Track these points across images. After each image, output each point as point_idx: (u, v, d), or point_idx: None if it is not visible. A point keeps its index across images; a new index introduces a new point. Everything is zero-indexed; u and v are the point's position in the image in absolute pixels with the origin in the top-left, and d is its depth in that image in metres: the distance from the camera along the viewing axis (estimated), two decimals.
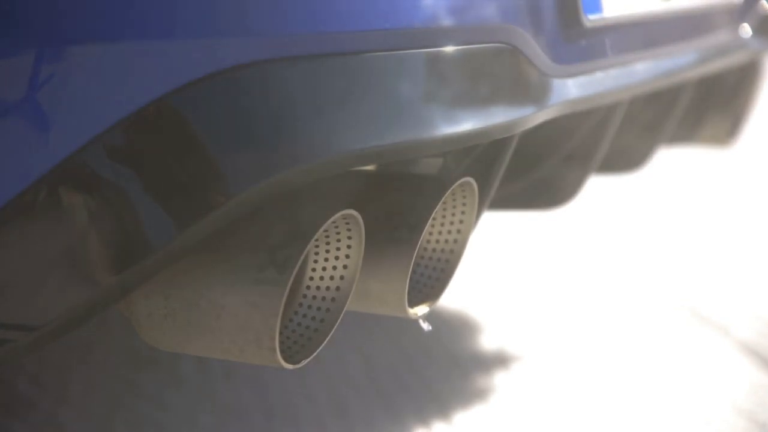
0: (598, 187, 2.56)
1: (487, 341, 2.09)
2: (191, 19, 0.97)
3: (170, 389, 1.82)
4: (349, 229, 1.11)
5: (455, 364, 1.99)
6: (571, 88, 1.29)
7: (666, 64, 1.54)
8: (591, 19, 1.30)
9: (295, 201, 1.08)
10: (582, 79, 1.31)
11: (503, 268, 2.49)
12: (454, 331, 2.13)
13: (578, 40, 1.31)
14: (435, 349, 2.04)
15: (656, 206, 3.10)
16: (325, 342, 1.12)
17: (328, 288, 1.13)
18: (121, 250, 0.97)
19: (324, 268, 1.13)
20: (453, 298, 2.24)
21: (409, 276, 1.17)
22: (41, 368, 1.85)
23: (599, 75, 1.35)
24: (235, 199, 0.96)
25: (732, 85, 2.06)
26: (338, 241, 1.12)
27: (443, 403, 1.83)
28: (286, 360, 1.08)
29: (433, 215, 1.17)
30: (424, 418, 1.78)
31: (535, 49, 1.21)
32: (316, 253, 1.13)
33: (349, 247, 1.12)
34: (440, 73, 1.09)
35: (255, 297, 1.04)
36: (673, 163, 3.15)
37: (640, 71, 1.45)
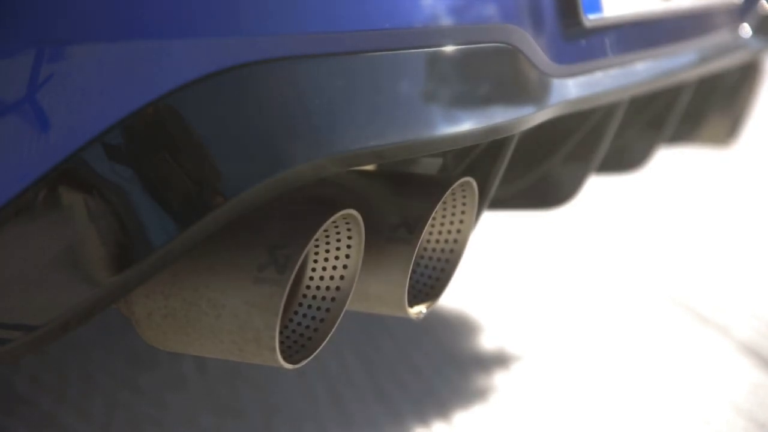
0: (598, 187, 2.56)
1: (487, 341, 2.09)
2: (191, 19, 0.97)
3: (170, 389, 1.82)
4: (349, 229, 1.11)
5: (455, 364, 1.99)
6: (571, 88, 1.29)
7: (666, 64, 1.54)
8: (591, 19, 1.30)
9: (295, 201, 1.08)
10: (582, 79, 1.31)
11: (503, 268, 2.49)
12: (454, 331, 2.13)
13: (578, 40, 1.31)
14: (435, 349, 2.04)
15: (656, 206, 3.11)
16: (325, 342, 1.12)
17: (328, 288, 1.13)
18: (121, 250, 0.97)
19: (324, 268, 1.13)
20: (453, 298, 2.24)
21: (409, 276, 1.17)
22: (41, 368, 1.85)
23: (599, 75, 1.35)
24: (235, 199, 0.96)
25: (732, 85, 2.06)
26: (338, 241, 1.12)
27: (443, 403, 1.83)
28: (286, 360, 1.08)
29: (433, 215, 1.17)
30: (424, 418, 1.78)
31: (535, 48, 1.21)
32: (316, 253, 1.13)
33: (349, 247, 1.12)
34: (440, 73, 1.09)
35: (255, 297, 1.04)
36: (673, 163, 3.15)
37: (640, 71, 1.45)
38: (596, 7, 1.32)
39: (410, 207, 1.17)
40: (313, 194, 1.15)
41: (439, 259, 1.26)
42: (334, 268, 1.13)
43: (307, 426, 1.74)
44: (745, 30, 1.80)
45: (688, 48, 1.62)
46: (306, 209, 1.07)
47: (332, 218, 1.06)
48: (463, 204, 1.24)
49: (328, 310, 1.13)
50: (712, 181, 3.36)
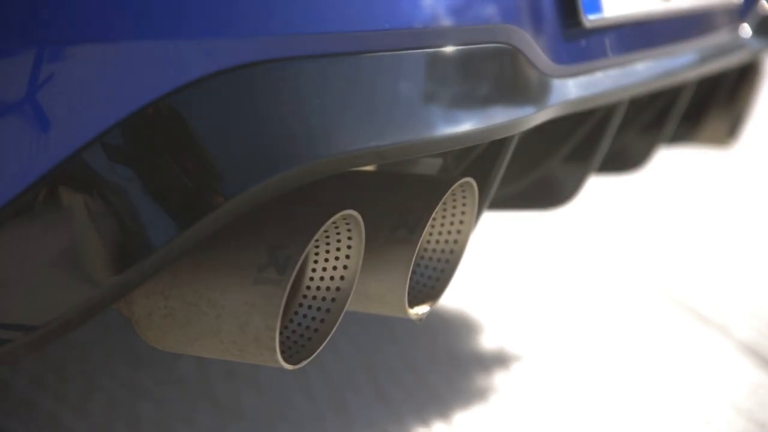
0: (598, 187, 2.56)
1: (487, 341, 2.09)
2: (191, 19, 0.97)
3: (170, 389, 1.82)
4: (349, 229, 1.11)
5: (455, 364, 1.99)
6: (571, 88, 1.29)
7: (666, 64, 1.54)
8: (591, 19, 1.31)
9: (295, 201, 1.08)
10: (582, 79, 1.31)
11: (503, 268, 2.49)
12: (454, 331, 2.13)
13: (578, 40, 1.31)
14: (435, 349, 2.04)
15: (656, 206, 3.11)
16: (325, 342, 1.12)
17: (328, 288, 1.13)
18: (121, 250, 0.97)
19: (324, 269, 1.13)
20: (453, 298, 2.24)
21: (409, 276, 1.17)
22: (41, 368, 1.85)
23: (599, 75, 1.35)
24: (235, 199, 0.96)
25: (732, 85, 2.06)
26: (338, 241, 1.12)
27: (443, 403, 1.83)
28: (286, 360, 1.08)
29: (433, 215, 1.17)
30: (424, 418, 1.78)
31: (535, 49, 1.21)
32: (316, 253, 1.13)
33: (349, 247, 1.12)
34: (440, 73, 1.09)
35: (255, 297, 1.04)
36: (673, 163, 3.15)
37: (640, 71, 1.45)
38: (596, 7, 1.32)
39: (410, 207, 1.17)
40: (313, 194, 1.15)
41: (439, 260, 1.26)
42: (334, 268, 1.13)
43: (307, 426, 1.74)
44: (745, 30, 1.80)
45: (688, 48, 1.62)
46: (306, 209, 1.07)
47: (332, 218, 1.06)
48: (463, 204, 1.24)
49: (328, 310, 1.13)
50: (712, 181, 3.36)
